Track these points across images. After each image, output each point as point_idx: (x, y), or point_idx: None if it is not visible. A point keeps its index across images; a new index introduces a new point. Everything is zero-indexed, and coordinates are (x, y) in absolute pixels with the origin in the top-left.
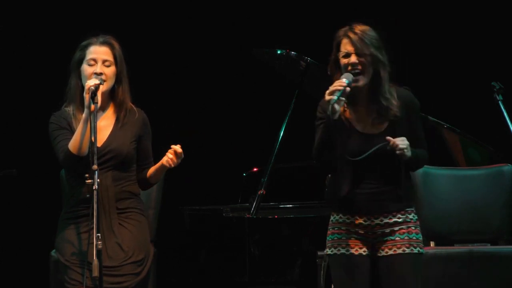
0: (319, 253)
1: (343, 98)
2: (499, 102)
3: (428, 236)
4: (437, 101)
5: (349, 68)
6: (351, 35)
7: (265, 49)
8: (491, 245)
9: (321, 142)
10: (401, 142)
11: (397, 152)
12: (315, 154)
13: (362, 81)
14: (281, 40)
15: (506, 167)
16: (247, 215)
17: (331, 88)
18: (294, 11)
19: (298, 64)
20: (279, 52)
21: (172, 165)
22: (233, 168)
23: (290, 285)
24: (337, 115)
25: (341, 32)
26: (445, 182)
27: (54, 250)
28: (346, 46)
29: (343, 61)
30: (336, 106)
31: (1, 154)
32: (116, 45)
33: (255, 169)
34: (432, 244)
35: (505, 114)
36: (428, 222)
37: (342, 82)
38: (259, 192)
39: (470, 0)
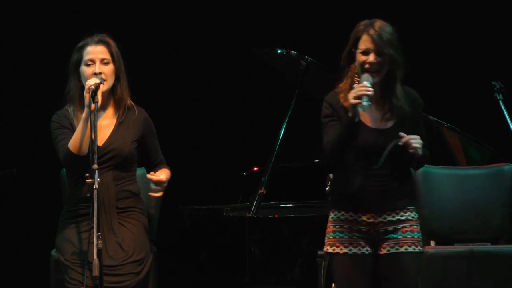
0: (319, 252)
1: (370, 103)
2: (500, 101)
3: (428, 235)
4: (437, 101)
5: (366, 66)
6: (372, 32)
7: (265, 49)
8: (492, 244)
9: (339, 140)
10: (415, 141)
11: (411, 150)
12: (330, 151)
13: (375, 80)
14: (281, 40)
15: (506, 167)
16: (247, 215)
17: (357, 92)
18: (294, 11)
19: (298, 64)
20: (279, 52)
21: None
22: (233, 168)
23: (290, 285)
24: (358, 118)
25: (361, 26)
26: (446, 181)
27: (54, 250)
28: (366, 43)
29: (361, 57)
30: (360, 109)
31: (1, 154)
32: (112, 43)
33: (255, 169)
34: (432, 243)
35: (506, 113)
36: (428, 221)
37: (368, 86)
38: (259, 192)
39: (470, 0)
